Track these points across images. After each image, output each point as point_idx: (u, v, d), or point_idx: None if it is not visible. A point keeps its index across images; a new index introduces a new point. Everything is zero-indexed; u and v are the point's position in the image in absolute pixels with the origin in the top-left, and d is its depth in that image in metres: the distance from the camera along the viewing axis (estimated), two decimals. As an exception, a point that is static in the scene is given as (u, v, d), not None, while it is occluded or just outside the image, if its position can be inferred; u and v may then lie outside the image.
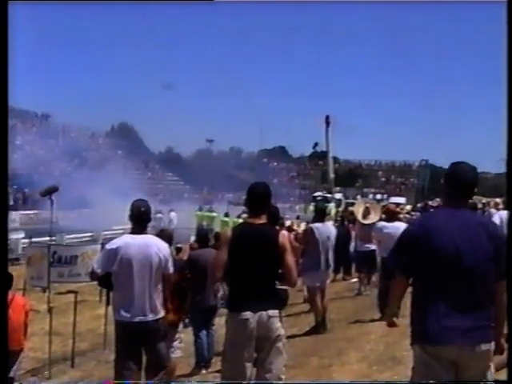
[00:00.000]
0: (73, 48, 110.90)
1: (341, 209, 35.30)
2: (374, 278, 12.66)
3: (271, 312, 4.87)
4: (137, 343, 5.89)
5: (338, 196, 48.15)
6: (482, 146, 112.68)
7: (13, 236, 22.37)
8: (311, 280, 9.56)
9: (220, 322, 7.93)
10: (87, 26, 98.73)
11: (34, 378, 9.21)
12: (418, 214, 23.60)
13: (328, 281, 10.15)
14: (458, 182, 3.92)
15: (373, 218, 12.94)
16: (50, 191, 9.46)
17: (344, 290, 14.46)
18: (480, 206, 22.00)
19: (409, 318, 3.97)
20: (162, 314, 6.01)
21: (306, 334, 9.46)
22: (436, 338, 3.68)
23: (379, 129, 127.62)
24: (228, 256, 4.92)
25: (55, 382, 8.98)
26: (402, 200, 38.26)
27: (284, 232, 5.62)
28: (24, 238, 22.53)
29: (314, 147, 68.09)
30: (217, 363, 7.53)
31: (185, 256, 9.58)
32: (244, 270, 4.89)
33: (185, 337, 8.27)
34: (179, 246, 12.58)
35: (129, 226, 6.12)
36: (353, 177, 70.71)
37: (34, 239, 18.91)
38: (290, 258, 4.99)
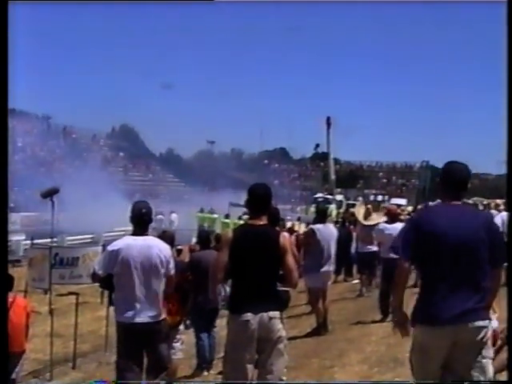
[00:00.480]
0: (73, 49, 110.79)
1: (342, 210, 35.34)
2: (376, 280, 12.66)
3: (272, 313, 4.87)
4: (138, 345, 5.89)
5: (339, 197, 48.22)
6: (482, 148, 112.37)
7: (14, 238, 22.41)
8: (312, 281, 9.56)
9: (221, 324, 7.93)
10: (87, 27, 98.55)
11: (36, 379, 9.22)
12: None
13: (329, 282, 10.15)
14: (453, 180, 4.23)
15: (374, 219, 12.94)
16: (51, 193, 9.43)
17: (345, 291, 14.46)
18: (481, 207, 22.02)
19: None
20: (163, 315, 6.01)
21: (308, 335, 9.46)
22: (435, 320, 3.96)
23: (380, 130, 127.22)
24: (229, 257, 4.92)
25: (57, 384, 8.98)
26: (403, 201, 38.32)
27: (285, 233, 5.63)
28: (25, 239, 22.55)
29: (315, 148, 68.27)
30: (218, 365, 7.53)
31: (186, 258, 9.57)
32: (245, 271, 4.89)
33: (186, 338, 8.27)
34: (180, 247, 12.57)
35: (130, 227, 6.12)
36: (354, 178, 70.65)
37: (35, 241, 18.89)
38: (290, 259, 4.99)
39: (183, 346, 7.73)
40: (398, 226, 9.32)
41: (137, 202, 6.24)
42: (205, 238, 9.25)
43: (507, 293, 4.31)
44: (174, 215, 33.11)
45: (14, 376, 7.34)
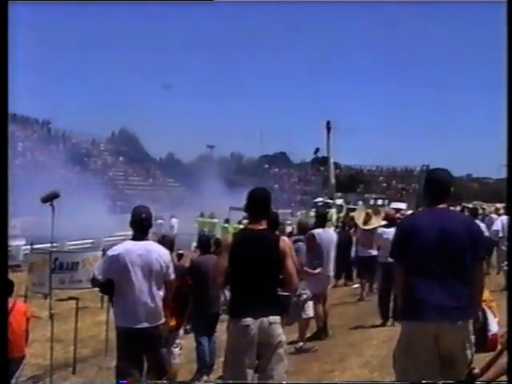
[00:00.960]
0: (73, 50, 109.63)
1: (342, 214, 35.25)
2: (376, 284, 12.66)
3: (272, 318, 4.86)
4: (138, 349, 5.89)
5: (339, 202, 48.06)
6: (482, 152, 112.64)
7: (14, 243, 22.40)
8: (313, 286, 9.54)
9: (221, 328, 7.93)
10: (87, 30, 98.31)
11: (36, 384, 9.21)
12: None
13: (329, 286, 10.14)
14: (433, 185, 4.57)
15: (373, 223, 12.93)
16: (51, 197, 9.41)
17: (345, 295, 14.46)
18: (481, 211, 22.03)
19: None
20: (162, 320, 6.01)
21: (308, 339, 9.44)
22: (420, 315, 4.23)
23: (380, 134, 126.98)
24: (229, 262, 4.92)
25: (57, 389, 8.97)
26: (402, 205, 38.11)
27: (284, 238, 5.63)
28: (25, 244, 22.54)
29: (315, 153, 67.99)
30: (218, 369, 7.52)
31: (187, 263, 9.56)
32: (245, 275, 4.89)
33: (186, 343, 8.26)
34: (180, 252, 12.57)
35: (130, 232, 6.13)
36: (354, 182, 70.59)
37: (35, 246, 18.88)
38: (290, 264, 4.99)
39: (181, 350, 7.73)
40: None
41: (137, 207, 6.25)
42: (205, 242, 9.25)
43: (507, 297, 4.34)
44: (174, 220, 33.06)
45: (13, 381, 7.33)
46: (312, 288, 9.50)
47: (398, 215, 11.99)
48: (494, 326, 7.33)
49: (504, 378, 4.46)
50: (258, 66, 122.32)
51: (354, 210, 25.96)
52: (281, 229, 8.82)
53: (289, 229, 19.11)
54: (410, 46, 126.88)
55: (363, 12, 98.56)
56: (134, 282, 5.79)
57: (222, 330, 7.70)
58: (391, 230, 9.54)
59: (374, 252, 12.13)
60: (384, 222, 11.12)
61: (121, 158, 60.84)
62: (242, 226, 18.74)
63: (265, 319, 4.82)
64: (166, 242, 7.19)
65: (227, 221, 30.85)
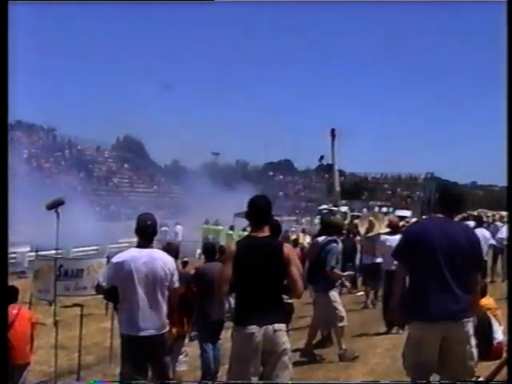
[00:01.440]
0: (74, 52, 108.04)
1: (347, 222, 35.24)
2: (380, 291, 12.62)
3: (277, 326, 4.86)
4: (142, 357, 5.89)
5: (344, 209, 47.98)
6: (487, 159, 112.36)
7: (19, 249, 22.45)
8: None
9: (226, 336, 7.92)
10: (87, 27, 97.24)
11: (40, 391, 9.21)
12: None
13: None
14: (445, 200, 5.09)
15: (375, 230, 12.92)
16: (56, 204, 9.43)
17: (350, 303, 14.39)
18: (485, 219, 21.98)
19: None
20: (167, 328, 6.01)
21: (313, 347, 9.40)
22: (429, 316, 4.65)
23: (385, 142, 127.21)
24: (233, 269, 4.92)
25: (61, 396, 8.97)
26: (407, 213, 38.15)
27: (288, 245, 5.63)
28: (30, 251, 22.56)
29: (319, 160, 67.88)
30: (223, 377, 7.50)
31: (192, 270, 9.56)
32: (249, 283, 4.89)
33: (190, 350, 8.24)
34: (185, 259, 12.59)
35: (135, 239, 6.14)
36: (359, 190, 70.50)
37: (40, 253, 18.91)
38: (294, 270, 4.99)
39: (187, 358, 7.71)
40: (399, 237, 9.29)
41: (142, 214, 6.25)
42: (210, 249, 9.26)
43: (507, 300, 4.47)
44: (178, 227, 33.02)
45: (18, 388, 7.34)
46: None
47: (402, 223, 11.98)
48: (499, 334, 7.30)
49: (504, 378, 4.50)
50: (259, 67, 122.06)
51: (358, 217, 25.95)
52: (285, 236, 8.83)
53: (293, 236, 19.12)
54: (411, 50, 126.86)
55: (363, 12, 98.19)
56: (138, 289, 5.79)
57: (226, 338, 7.70)
58: (394, 238, 9.53)
59: (379, 259, 12.10)
60: (385, 230, 11.09)
61: (125, 165, 60.93)
62: (246, 233, 18.76)
63: (270, 327, 4.82)
64: (171, 249, 7.19)
65: (232, 228, 30.85)
